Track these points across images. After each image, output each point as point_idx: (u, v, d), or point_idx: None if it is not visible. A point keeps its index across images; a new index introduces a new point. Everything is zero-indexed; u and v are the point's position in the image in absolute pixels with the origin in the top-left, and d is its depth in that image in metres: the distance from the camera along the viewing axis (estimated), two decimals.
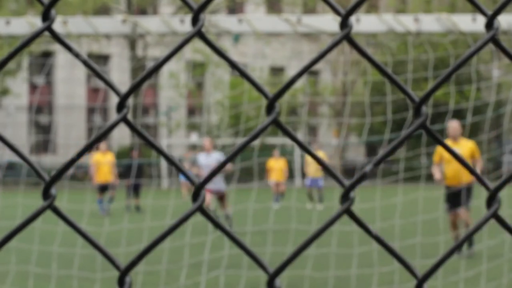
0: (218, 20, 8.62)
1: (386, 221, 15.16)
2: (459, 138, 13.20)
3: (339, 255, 12.53)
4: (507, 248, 12.71)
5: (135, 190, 26.62)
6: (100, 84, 54.39)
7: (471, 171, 1.42)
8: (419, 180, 15.03)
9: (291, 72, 56.11)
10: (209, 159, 18.01)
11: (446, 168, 13.09)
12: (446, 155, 12.95)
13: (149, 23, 8.75)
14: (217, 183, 17.87)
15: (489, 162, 47.24)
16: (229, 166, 17.97)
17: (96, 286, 10.57)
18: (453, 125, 13.16)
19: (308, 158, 27.61)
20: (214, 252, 12.85)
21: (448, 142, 13.02)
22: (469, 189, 13.06)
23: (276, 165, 28.58)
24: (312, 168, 26.68)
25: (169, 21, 8.62)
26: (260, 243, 14.06)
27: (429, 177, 17.04)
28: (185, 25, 8.52)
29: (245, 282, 10.65)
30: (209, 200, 17.92)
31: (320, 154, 28.11)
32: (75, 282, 10.84)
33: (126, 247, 13.14)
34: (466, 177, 12.97)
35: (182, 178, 32.56)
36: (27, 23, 8.40)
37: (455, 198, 13.01)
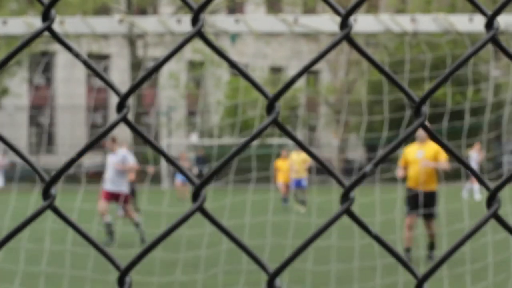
0: (216, 20, 8.62)
1: (386, 215, 15.24)
2: (426, 140, 13.00)
3: (341, 248, 12.56)
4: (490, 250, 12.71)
5: (132, 192, 26.04)
6: (100, 83, 54.41)
7: (471, 171, 1.42)
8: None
9: (291, 72, 56.12)
10: (114, 158, 16.60)
11: (409, 170, 13.14)
12: (410, 158, 13.03)
13: (146, 23, 8.75)
14: (118, 184, 16.36)
15: (488, 162, 47.24)
16: (134, 165, 16.80)
17: None
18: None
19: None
20: (211, 247, 12.85)
21: (415, 144, 13.05)
22: (432, 195, 13.06)
23: (285, 166, 27.19)
24: (295, 169, 25.78)
25: (166, 21, 8.62)
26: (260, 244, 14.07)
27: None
28: (182, 25, 8.52)
29: (244, 281, 10.65)
30: (106, 208, 16.27)
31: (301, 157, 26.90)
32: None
33: (124, 250, 13.16)
34: (427, 185, 12.89)
35: (178, 180, 32.09)
36: (24, 23, 8.40)
37: (416, 202, 12.91)
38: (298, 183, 25.88)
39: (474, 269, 11.01)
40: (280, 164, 27.47)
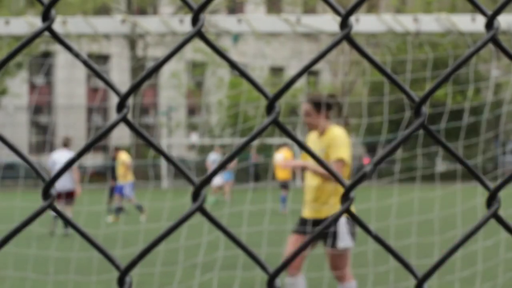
0: (218, 20, 8.62)
1: (382, 222, 15.18)
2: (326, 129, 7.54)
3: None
4: (502, 248, 12.71)
5: (113, 191, 25.34)
6: (100, 84, 54.42)
7: (471, 171, 1.41)
8: (415, 181, 14.99)
9: (291, 72, 56.13)
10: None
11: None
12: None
13: (149, 23, 8.75)
14: (66, 181, 17.27)
15: (488, 161, 47.25)
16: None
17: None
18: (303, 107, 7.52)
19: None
20: (208, 253, 12.85)
21: (312, 136, 7.57)
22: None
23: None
24: (119, 173, 22.67)
25: (168, 21, 8.62)
26: (256, 243, 14.07)
27: (425, 178, 16.93)
28: (184, 25, 8.52)
29: (239, 283, 10.66)
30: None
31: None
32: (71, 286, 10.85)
33: (122, 249, 13.16)
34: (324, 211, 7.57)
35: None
36: (26, 23, 8.40)
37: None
38: (120, 190, 22.45)
39: (463, 277, 11.00)
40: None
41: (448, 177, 31.59)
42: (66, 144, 18.11)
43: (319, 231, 1.31)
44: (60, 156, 17.73)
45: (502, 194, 1.41)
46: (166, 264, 12.01)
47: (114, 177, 25.37)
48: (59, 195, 17.19)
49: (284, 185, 24.95)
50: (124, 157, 22.63)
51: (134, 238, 14.77)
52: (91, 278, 10.92)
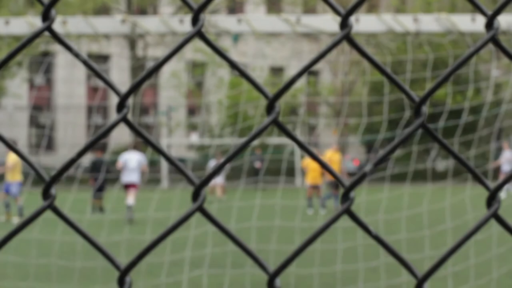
0: (218, 20, 8.62)
1: (371, 216, 15.21)
2: None
3: (324, 250, 12.56)
4: (494, 242, 12.70)
5: (99, 190, 24.60)
6: (100, 83, 54.39)
7: (471, 170, 1.41)
8: (406, 180, 14.98)
9: (291, 72, 56.10)
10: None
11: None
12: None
13: (149, 23, 8.75)
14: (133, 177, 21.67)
15: (483, 158, 47.21)
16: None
17: None
18: None
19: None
20: (197, 250, 12.83)
21: None
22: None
23: (315, 164, 24.28)
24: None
25: (168, 21, 8.62)
26: (245, 240, 14.04)
27: (417, 177, 16.84)
28: (184, 25, 8.52)
29: (229, 281, 10.66)
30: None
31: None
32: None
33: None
34: None
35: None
36: (26, 23, 8.40)
37: None
38: (7, 188, 21.55)
39: (456, 272, 10.99)
40: (310, 162, 24.82)
41: (440, 176, 31.57)
42: (135, 146, 22.58)
43: (321, 230, 1.31)
44: (131, 157, 21.86)
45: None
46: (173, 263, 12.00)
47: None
48: (125, 186, 21.86)
49: (314, 187, 25.17)
50: (11, 157, 21.86)
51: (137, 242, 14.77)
52: (95, 286, 10.91)
